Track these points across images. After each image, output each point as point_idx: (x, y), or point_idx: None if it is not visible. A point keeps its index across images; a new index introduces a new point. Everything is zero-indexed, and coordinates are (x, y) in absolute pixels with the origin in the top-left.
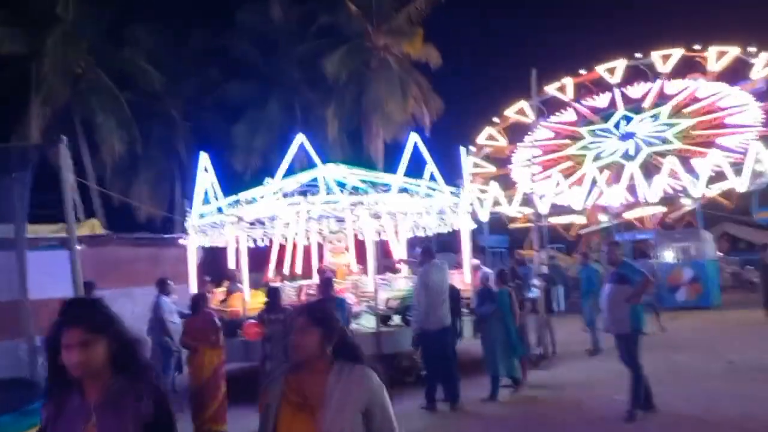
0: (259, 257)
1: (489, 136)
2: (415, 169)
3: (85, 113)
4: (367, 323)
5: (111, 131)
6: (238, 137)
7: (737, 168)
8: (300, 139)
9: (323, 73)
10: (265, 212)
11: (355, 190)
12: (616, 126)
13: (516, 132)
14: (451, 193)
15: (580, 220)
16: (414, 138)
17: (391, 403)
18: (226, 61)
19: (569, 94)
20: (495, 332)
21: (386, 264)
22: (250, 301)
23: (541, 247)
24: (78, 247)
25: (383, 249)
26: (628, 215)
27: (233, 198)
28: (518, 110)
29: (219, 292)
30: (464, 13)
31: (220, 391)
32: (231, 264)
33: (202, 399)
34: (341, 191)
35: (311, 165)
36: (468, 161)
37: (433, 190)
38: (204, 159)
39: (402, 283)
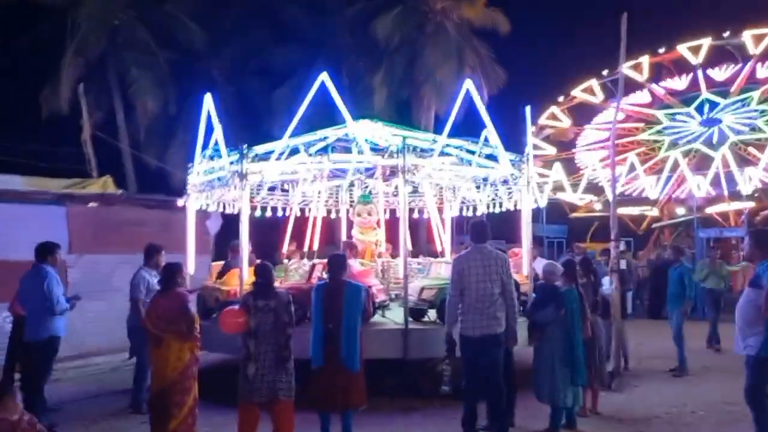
0: (280, 229)
1: (551, 116)
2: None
3: (121, 68)
4: (395, 317)
5: (146, 89)
6: (281, 103)
7: None
8: (322, 78)
9: (374, 39)
10: (275, 171)
11: (390, 153)
12: (699, 111)
13: (582, 113)
14: (512, 161)
15: (652, 212)
16: (468, 85)
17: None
18: (273, 24)
19: (645, 75)
20: (555, 347)
21: (429, 249)
22: (247, 279)
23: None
24: (93, 205)
25: (426, 230)
26: (711, 210)
27: (235, 156)
28: (586, 89)
29: (216, 266)
30: None
31: (190, 395)
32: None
33: (164, 404)
34: (376, 154)
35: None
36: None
37: (489, 158)
38: (208, 101)
39: (442, 269)
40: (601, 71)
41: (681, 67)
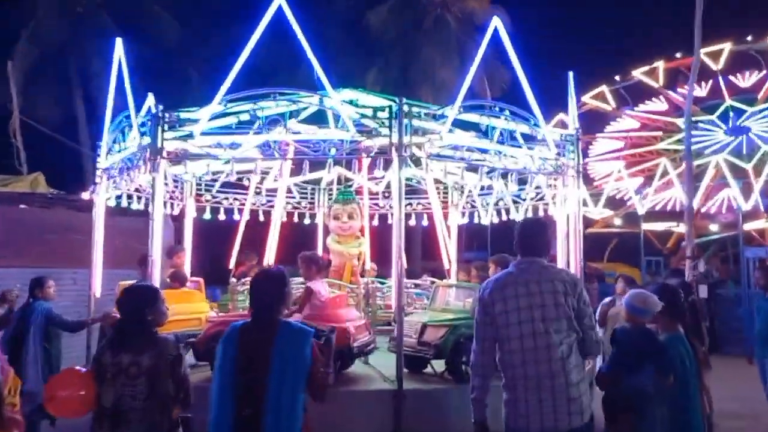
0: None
1: (560, 123)
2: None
3: (83, 61)
4: (384, 366)
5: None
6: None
7: None
8: (279, 2)
9: (366, 34)
10: (207, 147)
11: (379, 126)
12: (723, 119)
13: (592, 121)
14: (556, 144)
15: (679, 228)
16: (495, 23)
17: None
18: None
19: (660, 81)
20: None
21: (428, 267)
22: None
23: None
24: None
25: (424, 244)
26: (748, 226)
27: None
28: (597, 95)
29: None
30: None
31: None
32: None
33: None
34: (362, 133)
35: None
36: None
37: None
38: (118, 48)
39: (452, 295)
40: (613, 77)
41: (700, 73)
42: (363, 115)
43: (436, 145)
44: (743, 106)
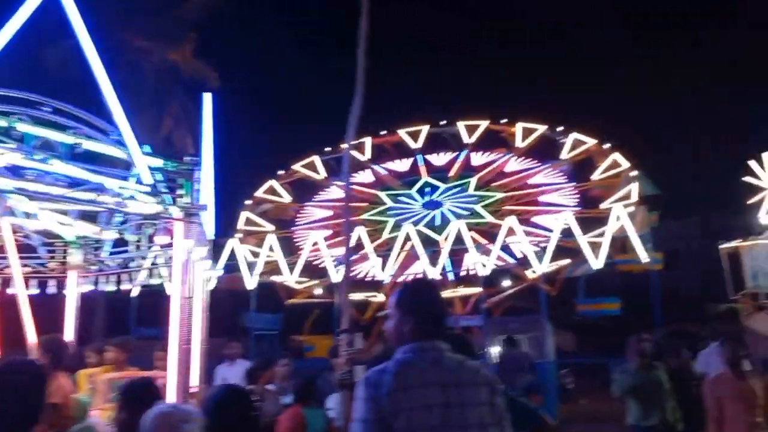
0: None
1: (270, 189)
2: None
3: None
4: None
5: None
6: None
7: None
8: None
9: (45, 75)
10: None
11: None
12: (421, 193)
13: (304, 191)
14: (161, 169)
15: (377, 298)
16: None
17: None
18: None
19: (367, 155)
20: None
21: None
22: None
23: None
24: None
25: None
26: (445, 294)
27: None
28: (308, 164)
29: None
30: (257, 44)
31: None
32: None
33: None
34: None
35: None
36: (241, 217)
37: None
38: None
39: None
40: (323, 148)
41: (402, 150)
42: None
43: None
44: (438, 183)
